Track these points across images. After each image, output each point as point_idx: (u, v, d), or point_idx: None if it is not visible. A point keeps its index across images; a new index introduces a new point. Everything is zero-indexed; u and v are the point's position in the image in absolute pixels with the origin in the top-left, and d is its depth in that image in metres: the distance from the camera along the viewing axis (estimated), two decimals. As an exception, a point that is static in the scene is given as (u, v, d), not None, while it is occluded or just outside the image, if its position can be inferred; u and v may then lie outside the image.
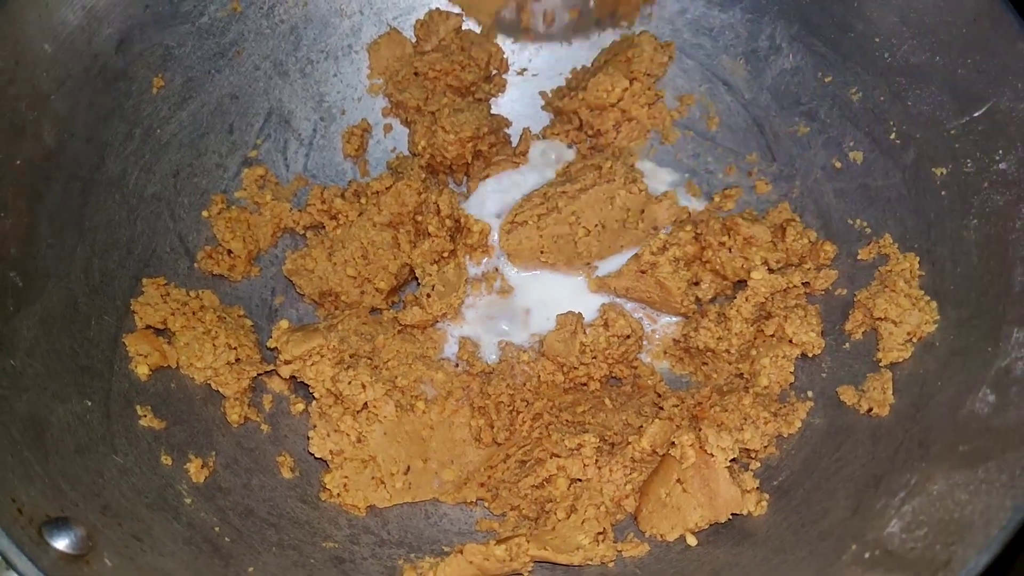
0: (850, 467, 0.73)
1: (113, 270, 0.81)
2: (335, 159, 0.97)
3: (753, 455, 0.79)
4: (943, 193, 0.78)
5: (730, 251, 0.86)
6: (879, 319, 0.78)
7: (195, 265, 0.87)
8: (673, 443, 0.75)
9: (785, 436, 0.79)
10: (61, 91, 0.78)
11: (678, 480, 0.75)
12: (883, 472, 0.71)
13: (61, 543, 0.62)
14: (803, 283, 0.84)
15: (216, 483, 0.77)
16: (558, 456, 0.79)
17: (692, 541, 0.75)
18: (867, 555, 0.66)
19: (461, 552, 0.73)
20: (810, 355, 0.82)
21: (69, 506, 0.65)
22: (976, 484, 0.64)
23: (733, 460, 0.75)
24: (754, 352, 0.83)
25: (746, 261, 0.85)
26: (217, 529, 0.73)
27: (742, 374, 0.83)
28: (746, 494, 0.75)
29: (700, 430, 0.75)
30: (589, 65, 0.97)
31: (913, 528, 0.65)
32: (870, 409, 0.76)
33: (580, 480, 0.79)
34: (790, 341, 0.81)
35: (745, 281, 0.85)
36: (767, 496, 0.75)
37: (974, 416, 0.69)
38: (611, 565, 0.75)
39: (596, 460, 0.78)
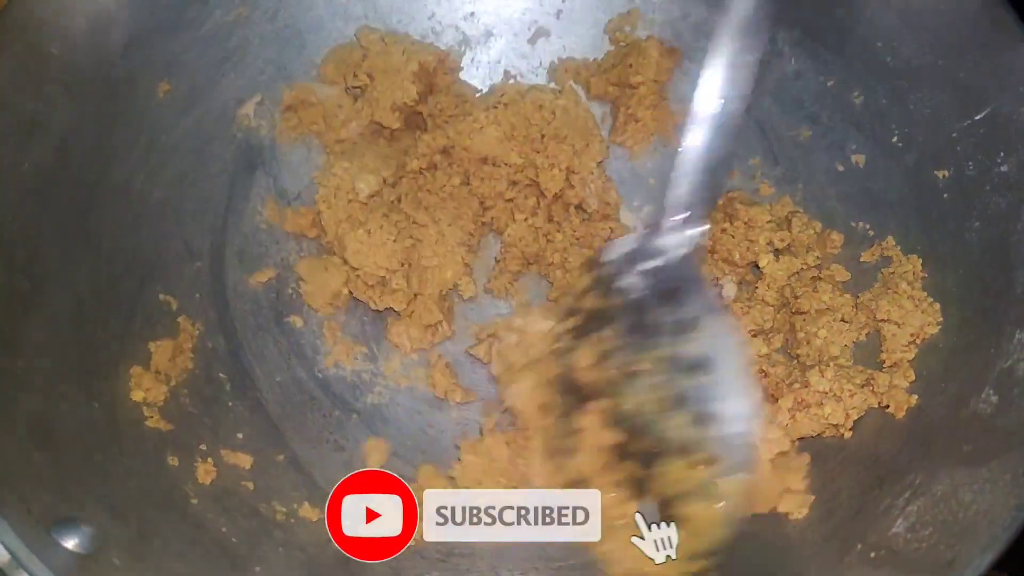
0: (855, 467, 0.74)
1: (119, 275, 0.81)
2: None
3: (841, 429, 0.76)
4: (945, 195, 0.79)
5: (733, 237, 0.85)
6: (882, 321, 0.78)
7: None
8: None
9: (876, 408, 0.76)
10: (68, 96, 0.78)
11: None
12: (887, 473, 0.71)
13: (70, 543, 0.63)
14: (816, 266, 0.83)
15: (223, 484, 0.77)
16: None
17: None
18: (872, 555, 0.66)
19: None
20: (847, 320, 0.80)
21: (77, 507, 0.66)
22: (980, 484, 0.64)
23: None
24: (801, 335, 0.80)
25: (751, 244, 0.84)
26: (224, 529, 0.74)
27: (797, 357, 0.81)
28: (788, 494, 0.73)
29: None
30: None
31: (918, 528, 0.65)
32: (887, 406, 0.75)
33: None
34: (828, 308, 0.79)
35: (756, 264, 0.84)
36: (812, 498, 0.74)
37: (977, 416, 0.69)
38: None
39: None
